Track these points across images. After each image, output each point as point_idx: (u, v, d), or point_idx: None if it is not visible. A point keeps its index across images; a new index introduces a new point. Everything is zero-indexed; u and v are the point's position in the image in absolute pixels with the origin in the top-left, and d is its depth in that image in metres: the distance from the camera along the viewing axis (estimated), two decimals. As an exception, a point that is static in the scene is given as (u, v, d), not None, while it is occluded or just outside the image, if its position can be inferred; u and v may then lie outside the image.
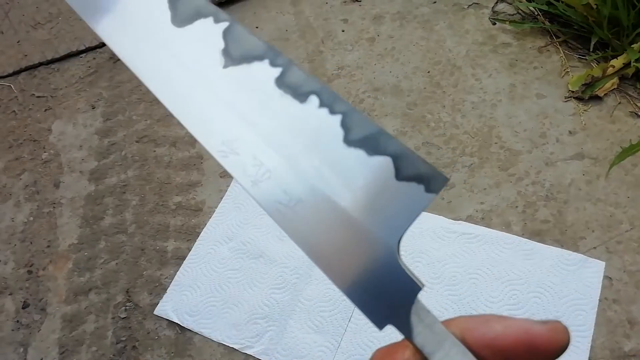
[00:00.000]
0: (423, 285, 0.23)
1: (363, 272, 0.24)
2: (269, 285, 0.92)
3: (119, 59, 1.39)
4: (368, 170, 0.24)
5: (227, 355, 0.87)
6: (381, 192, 0.24)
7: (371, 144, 0.24)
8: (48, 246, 1.06)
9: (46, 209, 1.12)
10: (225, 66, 0.28)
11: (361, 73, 1.18)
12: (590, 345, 0.78)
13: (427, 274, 0.87)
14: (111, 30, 0.31)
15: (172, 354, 0.89)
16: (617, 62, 1.03)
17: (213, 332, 0.89)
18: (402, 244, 0.24)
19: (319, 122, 0.25)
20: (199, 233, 1.00)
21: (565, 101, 1.04)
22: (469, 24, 1.22)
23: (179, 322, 0.91)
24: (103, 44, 1.37)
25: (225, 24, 0.28)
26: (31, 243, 1.07)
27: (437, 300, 0.85)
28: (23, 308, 0.99)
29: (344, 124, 0.25)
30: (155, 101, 1.24)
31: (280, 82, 0.27)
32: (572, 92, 1.04)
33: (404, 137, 1.06)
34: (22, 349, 0.94)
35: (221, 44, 0.28)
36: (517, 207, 0.93)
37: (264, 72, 0.27)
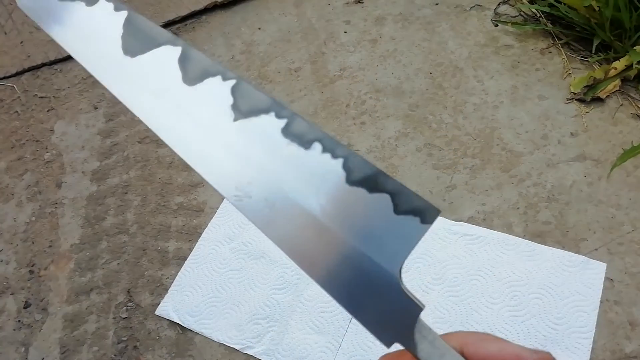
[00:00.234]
0: (424, 306, 0.26)
1: (369, 298, 0.27)
2: (270, 286, 0.92)
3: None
4: (369, 207, 0.27)
5: (228, 356, 0.87)
6: (382, 226, 0.27)
7: (371, 183, 0.27)
8: (50, 246, 1.06)
9: (48, 209, 1.12)
10: (235, 119, 0.30)
11: (363, 74, 1.18)
12: (591, 346, 0.78)
13: (429, 275, 0.87)
14: (127, 90, 0.34)
15: (173, 354, 0.89)
16: (619, 64, 1.03)
17: (214, 332, 0.89)
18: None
19: (323, 165, 0.28)
20: (201, 233, 1.01)
21: (567, 103, 1.04)
22: (471, 25, 1.22)
23: (180, 322, 0.91)
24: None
25: (232, 81, 0.31)
26: (33, 243, 1.07)
27: (438, 302, 0.84)
28: (24, 308, 0.99)
29: (345, 167, 0.28)
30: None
31: (286, 131, 0.29)
32: (574, 93, 1.04)
33: (405, 138, 1.06)
34: (23, 349, 0.95)
35: (230, 100, 0.31)
36: (518, 208, 0.93)
37: (271, 124, 0.30)
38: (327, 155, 0.28)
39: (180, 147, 0.31)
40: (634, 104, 1.02)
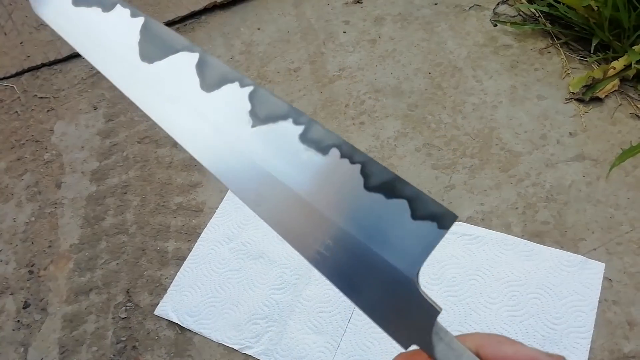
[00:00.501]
0: (441, 309, 0.27)
1: (388, 301, 0.27)
2: (269, 286, 0.92)
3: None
4: (387, 212, 0.27)
5: (227, 356, 0.87)
6: (399, 231, 0.27)
7: (388, 188, 0.27)
8: (49, 246, 1.06)
9: (48, 209, 1.12)
10: (253, 126, 0.31)
11: (362, 74, 1.18)
12: (589, 346, 0.78)
13: (427, 275, 0.87)
14: (145, 97, 0.34)
15: (172, 354, 0.89)
16: (618, 64, 1.03)
17: (213, 332, 0.89)
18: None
19: (341, 171, 0.28)
20: (200, 234, 1.01)
21: (566, 103, 1.04)
22: (470, 25, 1.22)
23: (179, 323, 0.92)
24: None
25: (250, 88, 0.31)
26: (32, 243, 1.08)
27: (437, 301, 0.84)
28: (24, 308, 0.99)
29: (363, 172, 0.28)
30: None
31: (304, 137, 0.30)
32: (573, 93, 1.04)
33: (404, 138, 1.06)
34: (22, 349, 0.95)
35: (248, 106, 0.31)
36: (517, 208, 0.93)
37: (289, 130, 0.30)
38: (345, 161, 0.28)
39: (199, 153, 0.32)
40: (632, 104, 1.02)
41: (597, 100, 1.03)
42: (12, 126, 1.29)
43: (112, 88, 1.30)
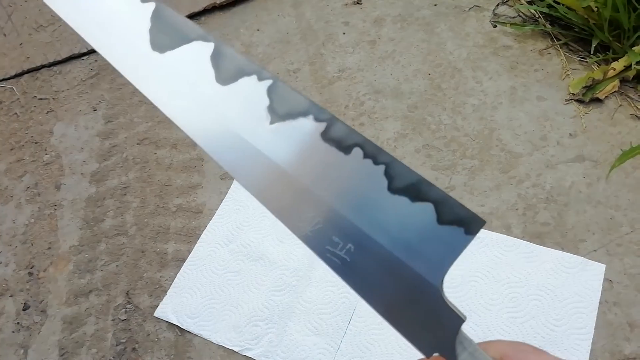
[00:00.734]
0: (465, 317, 0.26)
1: (410, 309, 0.26)
2: (268, 288, 0.92)
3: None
4: (411, 216, 0.26)
5: (227, 358, 0.87)
6: (424, 236, 0.26)
7: (414, 191, 0.26)
8: (49, 248, 1.06)
9: (47, 211, 1.12)
10: (271, 122, 0.29)
11: (362, 75, 1.18)
12: (590, 348, 0.77)
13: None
14: (156, 89, 0.32)
15: (172, 356, 0.89)
16: (618, 65, 1.03)
17: (213, 334, 0.89)
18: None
19: (364, 172, 0.27)
20: (199, 235, 1.01)
21: (566, 104, 1.04)
22: (470, 26, 1.22)
23: (178, 324, 0.91)
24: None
25: (269, 82, 0.29)
26: (32, 245, 1.07)
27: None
28: (23, 310, 0.99)
29: (387, 174, 0.27)
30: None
31: (326, 136, 0.28)
32: (573, 94, 1.04)
33: (404, 139, 1.06)
34: (22, 351, 0.95)
35: (266, 101, 0.29)
36: (517, 209, 0.93)
37: (310, 127, 0.28)
38: (369, 162, 0.27)
39: (214, 151, 0.30)
40: (632, 105, 1.02)
41: (597, 101, 1.03)
42: (11, 127, 1.29)
43: (112, 89, 1.30)
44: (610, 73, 1.03)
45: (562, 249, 0.87)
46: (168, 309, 0.93)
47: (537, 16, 1.19)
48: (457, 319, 0.26)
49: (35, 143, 1.24)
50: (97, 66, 1.35)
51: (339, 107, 1.14)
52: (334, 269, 0.28)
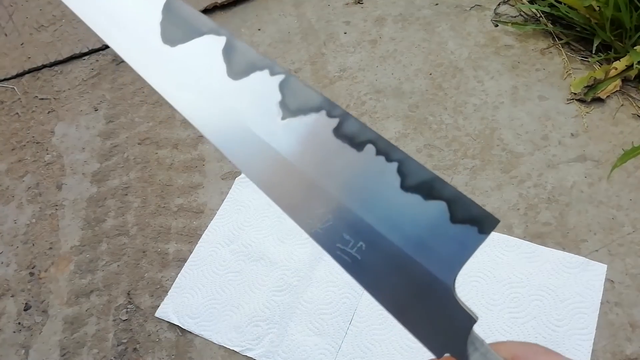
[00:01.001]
0: (477, 317, 0.25)
1: (422, 308, 0.26)
2: (269, 288, 0.92)
3: (122, 61, 1.39)
4: (424, 214, 0.26)
5: (228, 358, 0.87)
6: (437, 234, 0.25)
7: (427, 189, 0.26)
8: (50, 248, 1.06)
9: (48, 211, 1.12)
10: (283, 118, 0.28)
11: (363, 75, 1.18)
12: (591, 348, 0.77)
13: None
14: (166, 82, 0.31)
15: (173, 356, 0.89)
16: (620, 64, 1.03)
17: (214, 334, 0.89)
18: None
19: (376, 169, 0.26)
20: (201, 235, 1.01)
21: (568, 103, 1.04)
22: (471, 26, 1.21)
23: (180, 325, 0.91)
24: (106, 47, 1.37)
25: (281, 77, 0.29)
26: (33, 245, 1.08)
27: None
28: (25, 310, 0.99)
29: (400, 171, 0.26)
30: (157, 103, 1.24)
31: (338, 132, 0.27)
32: (575, 94, 1.04)
33: (405, 139, 1.05)
34: (23, 351, 0.95)
35: (278, 96, 0.29)
36: (518, 209, 0.93)
37: (322, 123, 0.28)
38: (381, 158, 0.26)
39: (224, 146, 0.30)
40: (634, 104, 1.01)
41: (599, 100, 1.03)
42: (12, 127, 1.29)
43: (113, 89, 1.30)
44: (612, 72, 1.02)
45: (564, 249, 0.87)
46: (169, 309, 0.93)
47: (538, 15, 1.19)
48: (469, 319, 0.25)
49: (37, 143, 1.24)
50: (98, 66, 1.35)
51: (340, 106, 1.13)
52: (344, 267, 0.27)
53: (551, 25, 1.16)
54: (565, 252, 0.86)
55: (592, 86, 1.03)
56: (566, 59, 1.11)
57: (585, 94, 1.03)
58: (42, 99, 1.33)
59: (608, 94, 1.03)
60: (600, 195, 0.92)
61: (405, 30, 1.24)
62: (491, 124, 1.04)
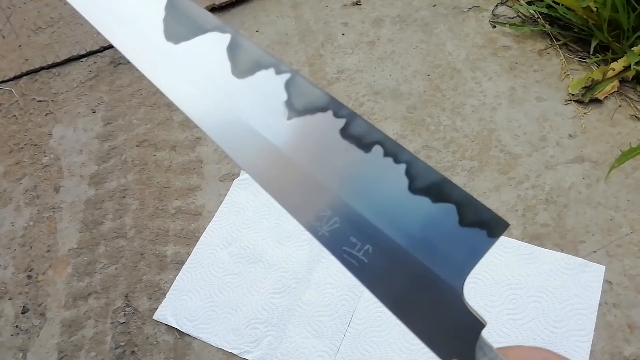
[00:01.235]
0: (486, 322, 0.25)
1: (430, 313, 0.26)
2: (268, 290, 0.91)
3: (119, 63, 1.38)
4: (433, 217, 0.25)
5: (226, 360, 0.87)
6: (445, 238, 0.25)
7: (435, 191, 0.25)
8: (48, 251, 1.06)
9: (46, 214, 1.12)
10: (289, 118, 0.28)
11: (361, 76, 1.18)
12: (589, 349, 0.77)
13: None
14: (169, 81, 0.31)
15: (171, 359, 0.89)
16: (618, 65, 1.03)
17: (212, 337, 0.89)
18: None
19: (384, 171, 0.26)
20: (199, 237, 1.00)
21: (565, 104, 1.04)
22: (469, 27, 1.21)
23: (178, 327, 0.91)
24: (104, 48, 1.37)
25: (287, 75, 0.28)
26: (31, 248, 1.07)
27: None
28: (22, 313, 0.99)
29: (408, 173, 0.26)
30: (155, 105, 1.24)
31: (345, 132, 0.27)
32: (572, 95, 1.04)
33: (403, 140, 1.05)
34: (21, 354, 0.94)
35: (284, 96, 0.28)
36: (516, 210, 0.93)
37: (328, 123, 0.27)
38: (389, 160, 0.26)
39: (228, 146, 0.29)
40: (632, 105, 1.01)
41: (597, 101, 1.03)
42: (10, 130, 1.29)
43: (111, 91, 1.30)
44: (610, 73, 1.02)
45: (562, 250, 0.87)
46: (167, 312, 0.93)
47: (536, 16, 1.19)
48: (478, 324, 0.25)
49: (34, 145, 1.24)
50: (95, 68, 1.35)
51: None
52: (351, 271, 0.27)
53: (549, 27, 1.16)
54: (563, 254, 0.86)
55: (590, 87, 1.03)
56: (564, 60, 1.11)
57: (583, 95, 1.03)
58: (40, 101, 1.33)
59: (606, 95, 1.03)
60: (598, 196, 0.92)
61: (403, 32, 1.24)
62: (489, 125, 1.04)
